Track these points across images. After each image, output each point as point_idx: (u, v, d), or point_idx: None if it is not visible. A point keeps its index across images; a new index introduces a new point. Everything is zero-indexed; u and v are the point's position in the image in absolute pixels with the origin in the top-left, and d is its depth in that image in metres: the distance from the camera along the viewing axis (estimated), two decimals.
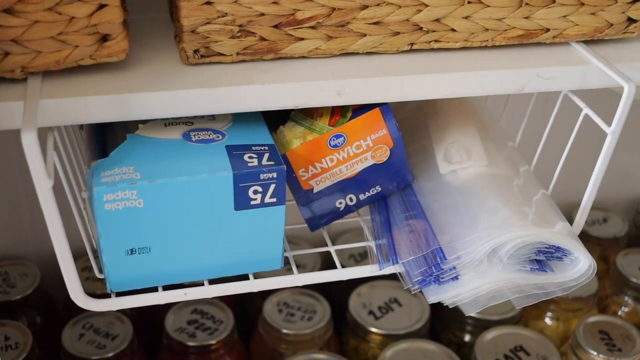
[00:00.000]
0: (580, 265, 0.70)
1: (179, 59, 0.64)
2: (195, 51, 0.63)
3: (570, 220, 0.74)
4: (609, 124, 0.69)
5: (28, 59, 0.59)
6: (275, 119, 0.69)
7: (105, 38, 0.60)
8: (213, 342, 0.97)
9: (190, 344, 0.97)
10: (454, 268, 0.66)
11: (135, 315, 1.02)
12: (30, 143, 0.53)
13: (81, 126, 0.75)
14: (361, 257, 1.17)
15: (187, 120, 0.66)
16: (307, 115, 0.69)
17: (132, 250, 0.60)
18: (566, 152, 0.75)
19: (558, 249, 0.69)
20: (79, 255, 0.61)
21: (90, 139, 0.67)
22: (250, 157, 0.61)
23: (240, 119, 0.67)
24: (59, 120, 0.59)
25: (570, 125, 0.74)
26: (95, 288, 1.03)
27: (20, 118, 0.57)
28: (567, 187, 0.91)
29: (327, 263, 1.16)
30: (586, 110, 0.71)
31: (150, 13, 0.72)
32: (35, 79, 0.60)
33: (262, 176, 0.60)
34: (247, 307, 1.13)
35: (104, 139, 0.66)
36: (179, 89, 0.60)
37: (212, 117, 0.67)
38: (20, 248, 1.11)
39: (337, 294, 1.11)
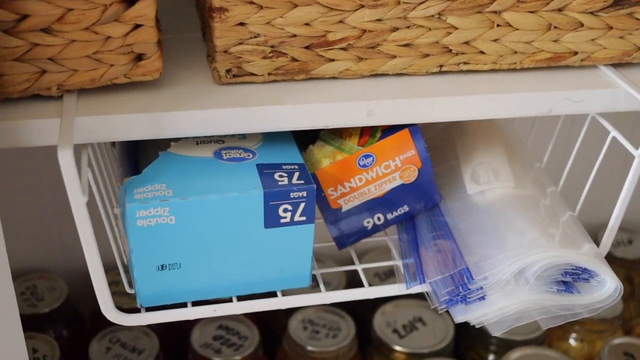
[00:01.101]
0: (607, 287, 0.70)
1: (211, 79, 0.65)
2: (228, 71, 0.63)
3: (596, 241, 0.74)
4: (636, 145, 0.69)
5: (64, 77, 0.60)
6: (305, 138, 0.70)
7: (140, 57, 0.61)
8: (238, 358, 0.97)
9: (216, 359, 0.97)
10: (481, 288, 0.66)
11: (162, 330, 1.03)
12: (66, 160, 0.54)
13: (113, 143, 0.76)
14: (386, 276, 1.16)
15: (219, 139, 0.66)
16: (337, 134, 0.70)
17: (162, 266, 0.61)
18: (593, 174, 0.75)
19: (585, 270, 0.69)
20: (107, 269, 0.61)
21: (123, 156, 0.68)
22: (281, 176, 0.62)
23: (271, 138, 0.67)
24: (93, 138, 0.59)
25: (597, 146, 0.74)
26: (122, 302, 1.03)
27: (56, 135, 0.58)
28: (592, 207, 0.91)
29: (351, 281, 1.16)
30: (614, 133, 0.71)
31: (182, 33, 0.73)
32: (71, 97, 0.61)
33: (292, 195, 0.61)
34: (272, 323, 1.13)
35: (136, 156, 0.67)
36: (211, 108, 0.61)
37: (243, 136, 0.67)
38: (48, 262, 1.12)
39: (361, 312, 1.12)
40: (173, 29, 0.73)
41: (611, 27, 0.69)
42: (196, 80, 0.65)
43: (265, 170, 0.62)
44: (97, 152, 0.70)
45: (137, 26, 0.60)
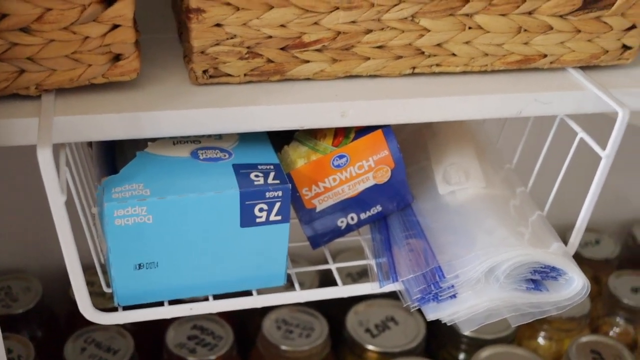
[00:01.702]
0: (574, 285, 0.71)
1: (188, 79, 0.66)
2: (204, 71, 0.64)
3: (565, 241, 0.76)
4: (604, 146, 0.70)
5: (43, 77, 0.60)
6: (280, 139, 0.71)
7: (117, 57, 0.62)
8: (213, 357, 0.98)
9: (191, 359, 0.97)
10: (453, 286, 0.68)
11: (137, 330, 1.03)
12: (45, 159, 0.54)
13: (90, 143, 0.77)
14: (358, 276, 1.18)
15: (195, 139, 0.67)
16: (311, 135, 0.71)
17: (140, 265, 0.61)
18: (561, 175, 0.76)
19: (553, 269, 0.70)
20: (83, 269, 0.62)
21: (100, 155, 0.68)
22: (257, 176, 0.62)
23: (246, 138, 0.68)
24: (72, 137, 0.60)
25: (566, 147, 0.75)
26: (97, 303, 1.03)
27: (34, 134, 0.58)
28: (561, 207, 0.93)
29: (324, 281, 1.17)
30: (581, 134, 0.73)
31: (159, 33, 0.74)
32: (49, 97, 0.61)
33: (267, 194, 0.62)
34: (246, 323, 1.13)
35: (114, 155, 0.67)
36: (188, 108, 0.62)
37: (219, 136, 0.68)
38: (23, 262, 1.12)
39: (334, 311, 1.12)
40: (150, 29, 0.73)
41: (579, 31, 0.70)
42: (173, 80, 0.66)
43: (242, 170, 0.63)
44: (75, 151, 0.71)
45: (115, 26, 0.60)
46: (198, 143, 0.66)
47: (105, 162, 0.66)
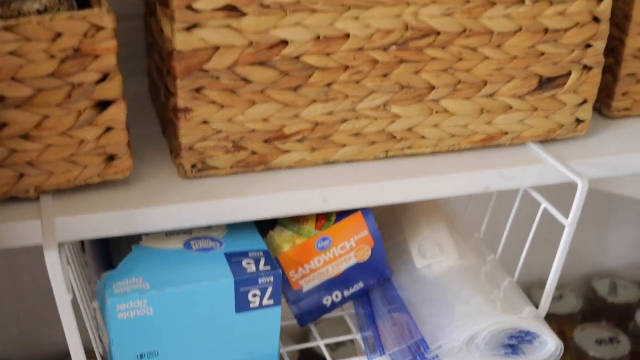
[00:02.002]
0: (548, 347, 0.75)
1: (176, 173, 0.69)
2: (193, 166, 0.68)
3: (529, 296, 0.80)
4: (565, 210, 0.75)
5: (42, 180, 0.63)
6: (264, 223, 0.74)
7: (112, 158, 0.65)
8: None
9: None
10: (437, 356, 0.71)
11: None
12: (53, 261, 0.57)
13: None
14: (337, 346, 1.20)
15: (187, 230, 0.70)
16: (294, 219, 0.75)
17: (142, 355, 0.64)
18: (528, 244, 0.81)
19: (528, 333, 0.74)
20: None
21: (94, 250, 0.71)
22: (248, 263, 0.66)
23: (234, 225, 0.71)
24: (71, 237, 0.63)
25: (530, 213, 0.80)
26: None
27: (35, 236, 0.61)
28: (525, 266, 0.97)
29: (304, 356, 1.19)
30: (545, 204, 0.78)
31: (142, 128, 0.77)
32: (47, 197, 0.64)
33: (260, 280, 0.65)
34: None
35: (108, 249, 0.70)
36: (179, 203, 0.65)
37: (209, 226, 0.71)
38: (7, 350, 1.12)
39: None
40: (132, 124, 0.77)
41: (537, 109, 0.76)
42: (162, 175, 0.69)
43: (234, 259, 0.66)
44: (70, 248, 0.73)
45: (109, 129, 0.64)
46: (189, 234, 0.69)
47: (100, 256, 0.69)
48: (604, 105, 0.85)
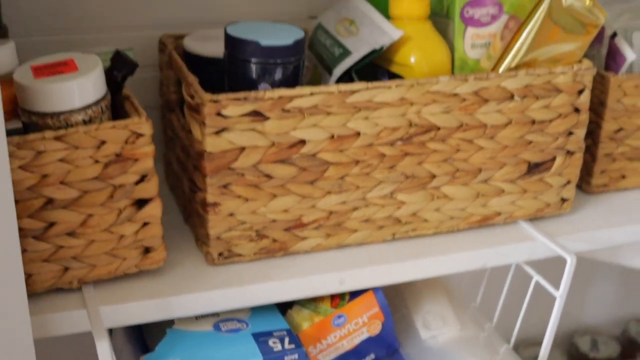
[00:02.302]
0: None
1: (202, 260, 0.75)
2: (220, 254, 0.74)
3: (517, 352, 0.86)
4: (555, 281, 0.81)
5: (85, 272, 0.69)
6: (283, 303, 0.80)
7: (147, 250, 0.71)
8: None
9: None
10: None
11: None
12: (104, 349, 0.62)
13: None
14: None
15: (214, 312, 0.76)
16: (311, 298, 0.81)
17: None
18: (522, 315, 0.87)
19: None
20: None
21: (127, 333, 0.76)
22: (274, 342, 0.71)
23: (257, 306, 0.77)
24: (114, 324, 0.68)
25: (522, 282, 0.86)
26: None
27: (80, 323, 0.67)
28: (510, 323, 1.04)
29: None
30: (536, 277, 0.84)
31: (166, 215, 0.83)
32: (88, 287, 0.70)
33: (286, 358, 0.70)
34: None
35: (141, 332, 0.76)
36: (209, 290, 0.71)
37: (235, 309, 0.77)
38: None
39: None
40: None
41: (526, 191, 0.83)
42: (190, 262, 0.75)
43: (261, 339, 0.71)
44: None
45: (146, 224, 0.70)
46: (217, 316, 0.75)
47: (134, 340, 0.74)
48: (584, 182, 0.93)
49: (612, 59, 0.90)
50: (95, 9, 0.88)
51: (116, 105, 0.72)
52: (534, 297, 0.85)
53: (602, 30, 0.90)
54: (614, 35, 0.90)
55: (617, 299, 1.43)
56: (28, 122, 0.66)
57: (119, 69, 0.72)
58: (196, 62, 0.79)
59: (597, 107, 0.90)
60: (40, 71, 0.66)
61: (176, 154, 0.82)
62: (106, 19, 0.88)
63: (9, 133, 0.62)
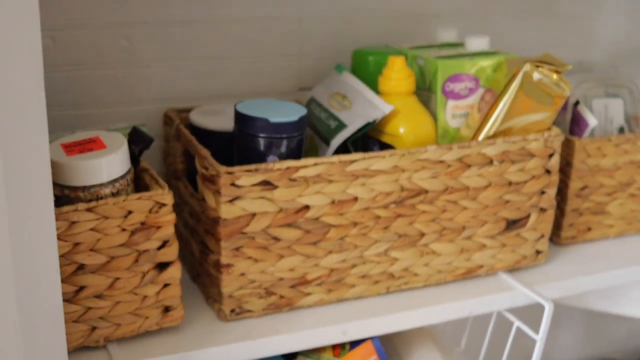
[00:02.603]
0: None
1: (214, 317, 0.81)
2: (232, 311, 0.80)
3: None
4: (535, 324, 0.89)
5: (110, 331, 0.74)
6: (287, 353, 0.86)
7: (167, 309, 0.77)
8: None
9: None
10: None
11: None
12: None
13: None
14: None
15: None
16: (314, 349, 0.87)
17: None
18: (505, 358, 0.94)
19: None
20: None
21: None
22: None
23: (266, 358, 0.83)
24: None
25: (503, 326, 0.94)
26: None
27: None
28: None
29: None
30: (517, 323, 0.92)
31: None
32: (113, 345, 0.75)
33: None
34: None
35: None
36: (223, 344, 0.77)
37: None
38: None
39: None
40: None
41: (505, 245, 0.90)
42: (203, 319, 0.80)
43: None
44: None
45: (166, 285, 0.76)
46: None
47: None
48: (554, 235, 1.01)
49: (576, 125, 0.99)
50: (104, 86, 0.94)
51: (135, 177, 0.78)
52: (514, 341, 0.93)
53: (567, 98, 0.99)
54: (577, 103, 0.99)
55: (584, 340, 1.51)
56: (61, 195, 0.72)
57: (136, 144, 0.78)
58: (201, 135, 0.85)
59: (565, 168, 0.98)
60: (71, 149, 0.72)
61: (183, 218, 0.88)
62: (116, 95, 0.95)
63: None
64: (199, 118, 0.88)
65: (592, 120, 0.97)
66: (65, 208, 0.69)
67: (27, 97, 0.57)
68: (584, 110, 0.98)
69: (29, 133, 0.57)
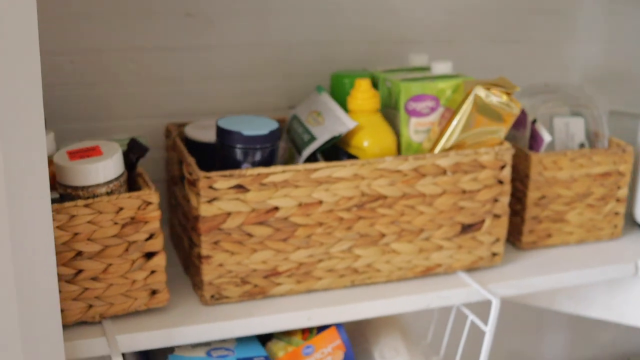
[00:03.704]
0: None
1: (199, 302, 0.91)
2: (212, 296, 0.90)
3: None
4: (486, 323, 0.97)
5: (104, 309, 0.85)
6: (263, 335, 0.96)
7: (154, 292, 0.87)
8: None
9: None
10: None
11: None
12: None
13: None
14: None
15: (206, 342, 0.92)
16: (286, 332, 0.97)
17: None
18: (461, 349, 1.03)
19: None
20: None
21: (137, 356, 0.92)
22: None
23: (241, 337, 0.93)
24: (127, 349, 0.84)
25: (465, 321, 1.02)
26: None
27: (99, 348, 0.83)
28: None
29: None
30: (471, 316, 1.00)
31: (169, 268, 0.99)
32: (108, 321, 0.86)
33: None
34: None
35: (147, 356, 0.92)
36: (203, 323, 0.87)
37: (223, 339, 0.93)
38: None
39: None
40: None
41: (461, 247, 0.99)
42: (188, 303, 0.91)
43: None
44: None
45: (153, 272, 0.86)
46: (209, 345, 0.91)
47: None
48: (516, 240, 1.09)
49: (533, 140, 1.08)
50: (115, 103, 1.06)
51: (132, 180, 0.90)
52: (473, 335, 1.01)
53: (525, 117, 1.08)
54: (534, 121, 1.08)
55: (571, 345, 1.57)
56: (64, 193, 0.83)
57: (134, 152, 0.90)
58: (195, 146, 0.96)
59: (523, 179, 1.06)
60: (74, 155, 0.84)
61: (178, 217, 0.99)
62: (125, 110, 1.07)
63: (51, 202, 0.80)
64: (192, 131, 0.99)
65: (546, 136, 1.06)
66: (67, 204, 0.80)
67: (26, 98, 0.69)
68: (540, 128, 1.06)
69: (28, 130, 0.69)
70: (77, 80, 1.03)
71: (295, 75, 1.13)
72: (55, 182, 0.84)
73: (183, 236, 0.97)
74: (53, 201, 0.82)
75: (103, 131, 1.05)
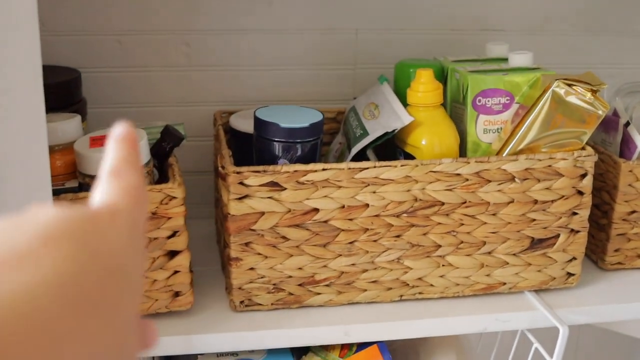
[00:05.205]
0: None
1: (228, 307, 0.82)
2: (241, 302, 0.81)
3: None
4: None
5: None
6: (299, 348, 0.86)
7: (177, 294, 0.79)
8: None
9: None
10: None
11: None
12: None
13: None
14: None
15: (233, 351, 0.83)
16: (324, 346, 0.86)
17: None
18: None
19: None
20: None
21: None
22: None
23: (273, 349, 0.84)
24: (145, 354, 0.76)
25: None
26: None
27: None
28: None
29: None
30: (536, 344, 0.87)
31: (207, 266, 0.90)
32: None
33: None
34: None
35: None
36: (229, 332, 0.78)
37: (251, 350, 0.84)
38: None
39: None
40: (200, 262, 0.90)
41: (530, 264, 0.86)
42: (217, 307, 0.82)
43: None
44: None
45: (176, 272, 0.78)
46: (236, 355, 0.82)
47: None
48: (599, 259, 0.95)
49: (625, 146, 0.93)
50: (166, 87, 0.98)
51: (165, 170, 0.81)
52: None
53: (617, 119, 0.93)
54: (627, 124, 0.92)
55: None
56: (83, 182, 0.75)
57: (167, 141, 0.81)
58: (238, 137, 0.87)
59: (611, 190, 0.92)
60: (96, 141, 0.76)
61: (218, 213, 0.90)
62: (175, 95, 0.98)
63: (67, 191, 0.72)
64: (236, 121, 0.89)
65: None
66: (81, 194, 0.73)
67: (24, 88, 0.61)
68: (633, 132, 0.91)
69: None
70: (126, 62, 0.96)
71: (361, 62, 1.01)
72: (75, 170, 0.77)
73: (222, 233, 0.88)
74: (71, 190, 0.75)
75: (149, 115, 0.97)
